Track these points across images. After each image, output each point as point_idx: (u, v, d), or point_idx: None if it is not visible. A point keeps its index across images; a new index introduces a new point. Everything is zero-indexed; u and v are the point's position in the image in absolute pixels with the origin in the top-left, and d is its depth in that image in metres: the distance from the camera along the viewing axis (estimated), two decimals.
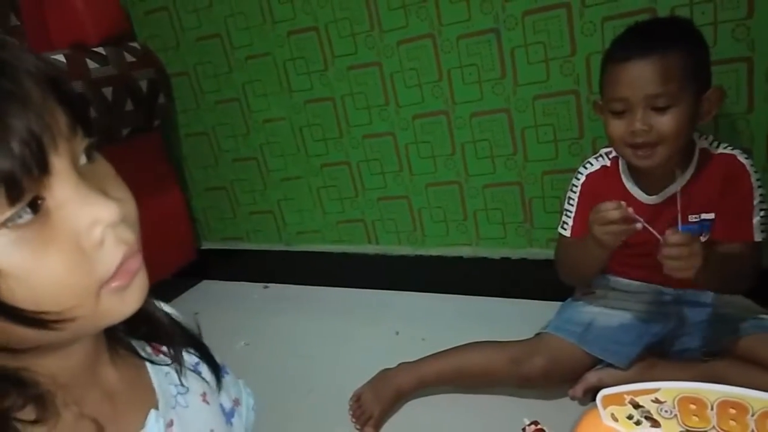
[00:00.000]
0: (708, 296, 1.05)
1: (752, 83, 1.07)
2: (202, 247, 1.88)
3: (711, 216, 0.98)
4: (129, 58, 1.50)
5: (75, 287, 0.35)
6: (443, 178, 1.46)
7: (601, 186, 1.05)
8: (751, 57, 1.05)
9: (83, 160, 0.37)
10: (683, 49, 0.89)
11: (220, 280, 1.87)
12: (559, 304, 1.18)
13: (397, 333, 1.41)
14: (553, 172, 1.31)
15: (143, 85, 1.52)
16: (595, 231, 0.90)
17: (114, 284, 0.37)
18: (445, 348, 1.16)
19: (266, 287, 1.79)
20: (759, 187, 0.94)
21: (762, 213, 0.94)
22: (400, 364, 1.16)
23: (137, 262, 0.38)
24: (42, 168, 0.33)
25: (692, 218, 0.99)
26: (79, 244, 0.35)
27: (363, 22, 1.38)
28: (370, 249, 1.63)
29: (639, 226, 0.86)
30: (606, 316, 1.09)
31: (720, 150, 0.97)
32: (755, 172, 0.94)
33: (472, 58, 1.30)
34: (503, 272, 1.45)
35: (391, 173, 1.52)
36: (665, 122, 0.88)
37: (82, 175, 0.36)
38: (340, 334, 1.45)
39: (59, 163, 0.34)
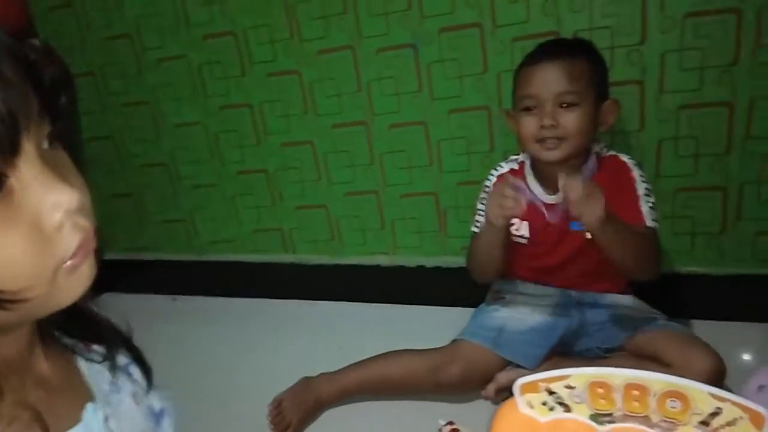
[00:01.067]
0: (606, 298, 1.14)
1: (644, 103, 1.18)
2: (105, 258, 1.76)
3: None
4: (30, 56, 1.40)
5: (32, 267, 0.35)
6: (362, 187, 1.47)
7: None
8: (642, 80, 1.16)
9: (45, 145, 0.38)
10: (587, 59, 1.01)
11: (125, 293, 1.76)
12: (473, 310, 1.23)
13: (315, 342, 1.39)
14: (467, 183, 1.37)
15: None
16: (490, 209, 1.00)
17: (70, 263, 0.37)
18: (364, 356, 1.16)
19: (174, 299, 1.71)
20: (643, 181, 1.05)
21: (650, 203, 1.04)
22: (321, 374, 1.16)
23: (92, 243, 0.39)
24: (14, 147, 0.34)
25: None
26: (39, 225, 0.35)
27: (283, 29, 1.38)
28: (287, 258, 1.61)
29: (525, 198, 0.97)
30: (516, 320, 1.15)
31: (608, 153, 1.09)
32: (636, 166, 1.06)
33: (390, 71, 1.34)
34: (419, 280, 1.49)
35: (310, 182, 1.51)
36: (571, 119, 0.98)
37: (45, 160, 0.36)
38: (255, 344, 1.41)
39: (28, 145, 0.35)
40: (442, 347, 1.15)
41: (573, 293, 1.16)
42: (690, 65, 1.12)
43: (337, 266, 1.56)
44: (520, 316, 1.15)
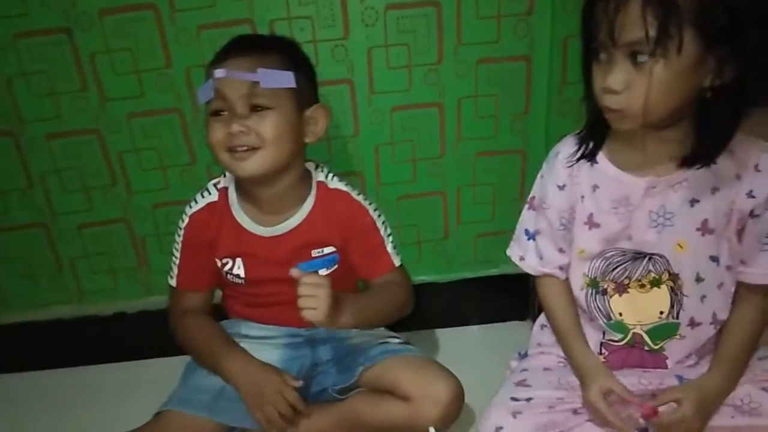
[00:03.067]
0: (339, 330, 1.00)
1: (356, 105, 1.06)
2: None
3: (333, 249, 0.92)
4: None
5: None
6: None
7: (210, 225, 0.90)
8: (351, 79, 1.04)
9: None
10: (280, 56, 0.84)
11: None
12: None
13: None
14: (164, 204, 1.10)
15: None
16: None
17: None
18: None
19: None
20: (379, 216, 0.94)
21: (390, 239, 0.94)
22: None
23: None
24: None
25: (315, 253, 0.92)
26: None
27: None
28: None
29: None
30: None
31: (335, 185, 0.92)
32: (370, 204, 0.93)
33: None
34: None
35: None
36: (264, 124, 0.81)
37: None
38: None
39: None
40: (143, 426, 0.88)
41: (302, 331, 0.99)
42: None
43: None
44: None
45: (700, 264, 0.75)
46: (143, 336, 1.17)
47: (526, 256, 0.88)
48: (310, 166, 0.93)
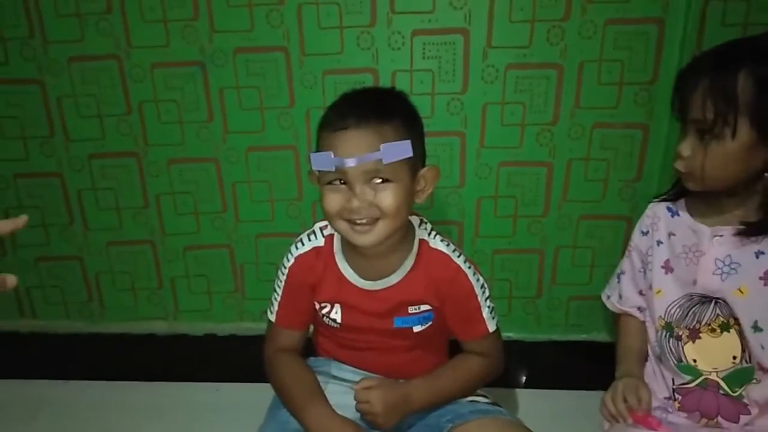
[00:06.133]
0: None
1: (464, 157, 1.07)
2: None
3: (429, 307, 0.92)
4: None
5: None
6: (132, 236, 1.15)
7: (313, 270, 0.92)
8: (464, 132, 1.05)
9: None
10: (400, 122, 0.81)
11: None
12: None
13: None
14: (267, 235, 1.14)
15: None
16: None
17: None
18: None
19: None
20: (477, 280, 0.91)
21: (488, 303, 0.92)
22: None
23: None
24: None
25: (412, 309, 0.92)
26: None
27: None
28: None
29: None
30: None
31: (436, 245, 0.90)
32: (469, 268, 0.90)
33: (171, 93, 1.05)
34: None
35: (56, 226, 1.15)
36: (385, 198, 0.79)
37: None
38: None
39: None
40: None
41: (393, 379, 0.99)
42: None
43: None
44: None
45: (759, 311, 0.77)
46: (231, 359, 1.20)
47: (611, 295, 0.95)
48: (414, 220, 0.93)
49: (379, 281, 0.90)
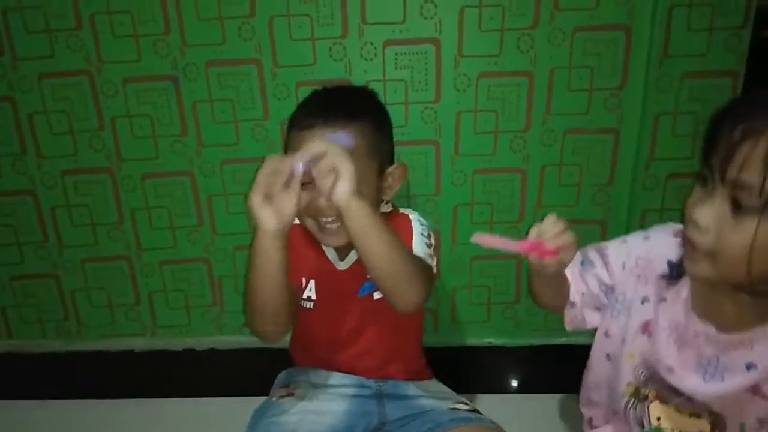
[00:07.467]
0: (408, 387, 0.99)
1: (439, 166, 1.08)
2: None
3: None
4: None
5: None
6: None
7: (304, 240, 0.92)
8: (438, 140, 1.06)
9: None
10: (369, 121, 0.83)
11: None
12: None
13: None
14: (245, 248, 1.13)
15: None
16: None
17: None
18: None
19: None
20: (421, 224, 0.89)
21: (424, 240, 0.88)
22: None
23: None
24: None
25: None
26: None
27: None
28: None
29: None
30: (310, 423, 0.93)
31: (405, 211, 0.92)
32: (418, 220, 0.90)
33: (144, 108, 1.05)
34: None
35: (30, 244, 1.13)
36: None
37: None
38: None
39: None
40: None
41: (371, 382, 0.99)
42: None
43: None
44: (314, 417, 0.94)
45: (745, 418, 0.66)
46: (211, 373, 1.19)
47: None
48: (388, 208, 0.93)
49: (345, 260, 0.91)
